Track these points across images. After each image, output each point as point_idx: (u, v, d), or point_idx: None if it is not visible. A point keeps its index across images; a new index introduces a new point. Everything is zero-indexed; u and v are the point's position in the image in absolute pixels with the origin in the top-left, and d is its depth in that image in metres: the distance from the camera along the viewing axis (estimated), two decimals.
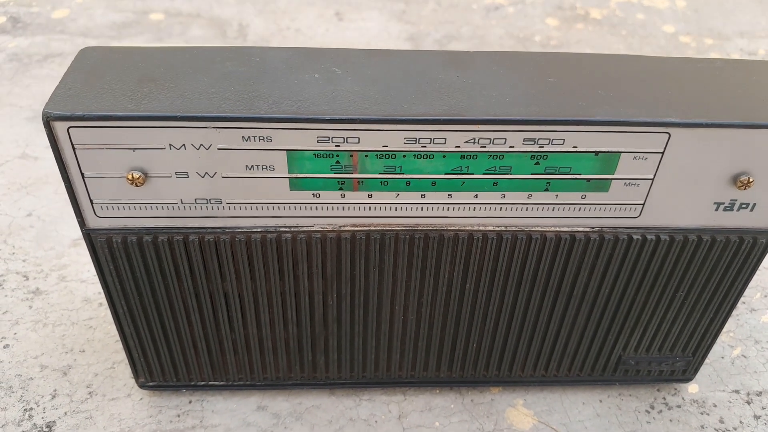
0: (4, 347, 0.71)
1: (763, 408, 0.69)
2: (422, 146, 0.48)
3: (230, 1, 1.50)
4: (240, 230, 0.53)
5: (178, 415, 0.66)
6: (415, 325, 0.62)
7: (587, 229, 0.54)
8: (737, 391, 0.71)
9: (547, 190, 0.51)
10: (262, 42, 1.35)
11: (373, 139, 0.48)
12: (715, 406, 0.70)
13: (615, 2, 1.58)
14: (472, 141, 0.48)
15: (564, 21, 1.49)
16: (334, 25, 1.43)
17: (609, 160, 0.50)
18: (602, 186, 0.51)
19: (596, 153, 0.49)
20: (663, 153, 0.49)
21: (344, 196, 0.51)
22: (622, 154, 0.49)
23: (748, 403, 0.70)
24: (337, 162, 0.49)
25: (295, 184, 0.50)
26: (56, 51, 1.28)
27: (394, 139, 0.48)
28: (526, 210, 0.52)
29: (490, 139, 0.48)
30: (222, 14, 1.45)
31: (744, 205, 0.53)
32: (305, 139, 0.47)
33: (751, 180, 0.51)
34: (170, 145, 0.47)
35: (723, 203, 0.53)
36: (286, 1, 1.51)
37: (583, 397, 0.70)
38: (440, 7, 1.52)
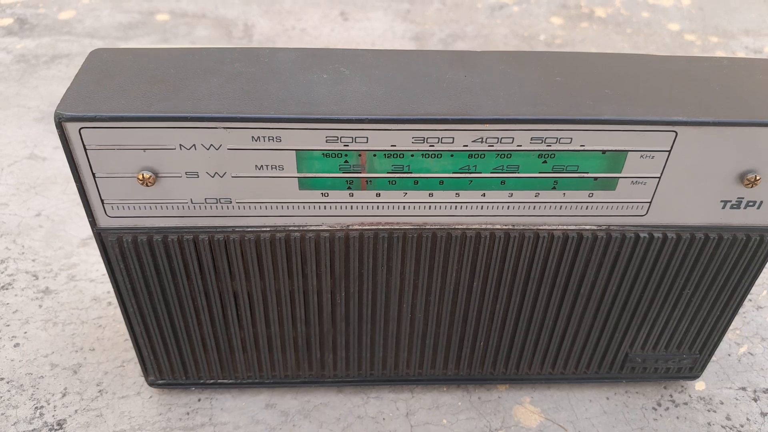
0: (15, 346, 0.72)
1: None
2: (430, 145, 0.49)
3: (235, 1, 1.50)
4: (249, 229, 0.53)
5: (188, 413, 0.67)
6: (423, 324, 0.62)
7: (594, 228, 0.54)
8: (744, 389, 0.71)
9: (554, 188, 0.51)
10: (268, 42, 1.36)
11: (381, 139, 0.48)
12: (721, 403, 0.70)
13: (620, 1, 1.58)
14: (480, 140, 0.48)
15: (569, 20, 1.49)
16: (339, 24, 1.43)
17: (616, 158, 0.50)
18: (609, 184, 0.52)
19: (603, 152, 0.50)
20: (670, 151, 0.50)
21: (353, 195, 0.51)
22: (629, 152, 0.50)
23: (755, 400, 0.70)
24: (346, 161, 0.49)
25: (304, 184, 0.50)
26: (63, 52, 1.29)
27: (402, 139, 0.48)
28: (534, 209, 0.53)
29: (498, 138, 0.48)
30: (227, 15, 1.45)
31: (751, 203, 0.53)
32: (314, 139, 0.48)
33: (758, 178, 0.51)
34: (180, 145, 0.48)
35: (730, 201, 0.53)
36: (291, 1, 1.51)
37: (590, 394, 0.70)
38: (445, 6, 1.52)
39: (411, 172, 0.50)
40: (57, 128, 0.46)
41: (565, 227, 0.54)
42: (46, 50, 1.29)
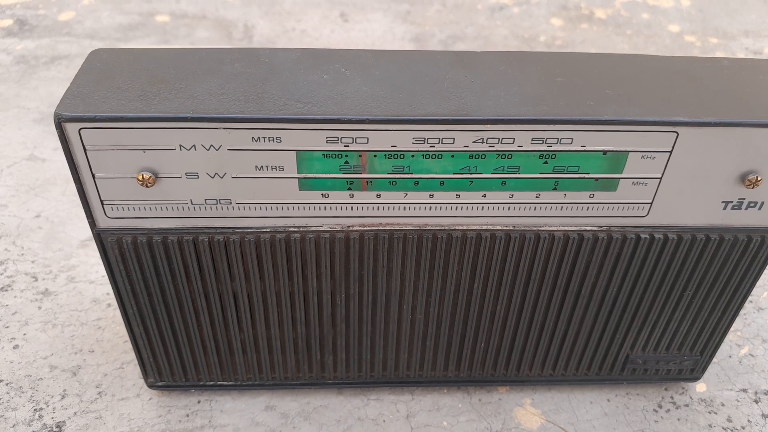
0: (14, 348, 0.72)
1: None
2: (431, 146, 0.48)
3: (235, 2, 1.50)
4: (249, 230, 0.53)
5: (187, 415, 0.66)
6: (423, 325, 0.62)
7: (595, 229, 0.54)
8: (745, 390, 0.71)
9: (555, 189, 0.51)
10: (268, 43, 1.36)
11: (381, 139, 0.48)
12: (722, 405, 0.70)
13: (620, 2, 1.58)
14: (481, 141, 0.48)
15: (569, 21, 1.49)
16: (339, 26, 1.43)
17: (617, 159, 0.50)
18: (610, 185, 0.51)
19: (604, 152, 0.49)
20: (671, 152, 0.50)
21: (353, 196, 0.51)
22: (630, 153, 0.50)
23: (756, 402, 0.70)
24: (346, 162, 0.49)
25: (304, 185, 0.50)
26: (63, 53, 1.29)
27: (402, 139, 0.48)
28: (535, 209, 0.53)
29: (499, 138, 0.48)
30: (227, 16, 1.45)
31: (752, 204, 0.53)
32: (314, 140, 0.48)
33: (759, 179, 0.51)
34: (180, 145, 0.48)
35: (731, 202, 0.53)
36: (291, 3, 1.51)
37: (590, 396, 0.70)
38: (445, 7, 1.52)
39: (411, 173, 0.50)
40: (56, 129, 0.46)
41: (565, 228, 0.54)
42: (46, 51, 1.29)
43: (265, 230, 0.53)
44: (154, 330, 0.60)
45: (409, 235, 0.54)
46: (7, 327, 0.74)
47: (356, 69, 0.51)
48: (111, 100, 0.47)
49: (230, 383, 0.67)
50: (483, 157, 0.49)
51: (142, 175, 0.49)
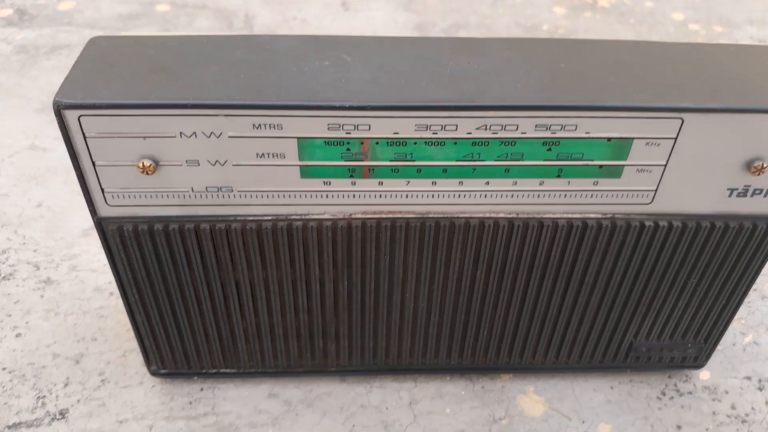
0: (17, 336, 0.72)
1: None
2: (433, 133, 0.48)
3: None
4: (251, 218, 0.53)
5: (190, 402, 0.66)
6: (426, 312, 0.62)
7: (599, 216, 0.54)
8: (749, 378, 0.71)
9: (559, 176, 0.51)
10: (269, 33, 1.35)
11: (383, 126, 0.48)
12: (726, 392, 0.69)
13: None
14: (484, 127, 0.48)
15: (572, 9, 1.48)
16: (340, 15, 1.42)
17: (621, 146, 0.49)
18: (614, 172, 0.51)
19: (608, 139, 0.49)
20: (676, 139, 0.49)
21: (355, 183, 0.51)
22: (635, 139, 0.49)
23: (760, 389, 0.70)
24: (348, 149, 0.49)
25: (306, 172, 0.50)
26: (63, 42, 1.28)
27: (405, 126, 0.48)
28: (538, 197, 0.52)
29: (502, 125, 0.48)
30: (228, 5, 1.44)
31: (758, 191, 0.53)
32: (316, 127, 0.47)
33: (765, 165, 0.50)
34: (181, 133, 0.47)
35: (736, 189, 0.52)
36: None
37: (594, 383, 0.70)
38: None
39: (414, 160, 0.50)
40: (56, 116, 0.46)
41: (569, 215, 0.54)
42: (47, 41, 1.28)
43: (266, 218, 0.53)
44: (156, 318, 0.60)
45: (411, 223, 0.54)
46: (10, 315, 0.74)
47: (358, 55, 0.51)
48: (111, 87, 0.46)
49: (233, 371, 0.67)
50: (486, 144, 0.49)
51: (143, 162, 0.48)
